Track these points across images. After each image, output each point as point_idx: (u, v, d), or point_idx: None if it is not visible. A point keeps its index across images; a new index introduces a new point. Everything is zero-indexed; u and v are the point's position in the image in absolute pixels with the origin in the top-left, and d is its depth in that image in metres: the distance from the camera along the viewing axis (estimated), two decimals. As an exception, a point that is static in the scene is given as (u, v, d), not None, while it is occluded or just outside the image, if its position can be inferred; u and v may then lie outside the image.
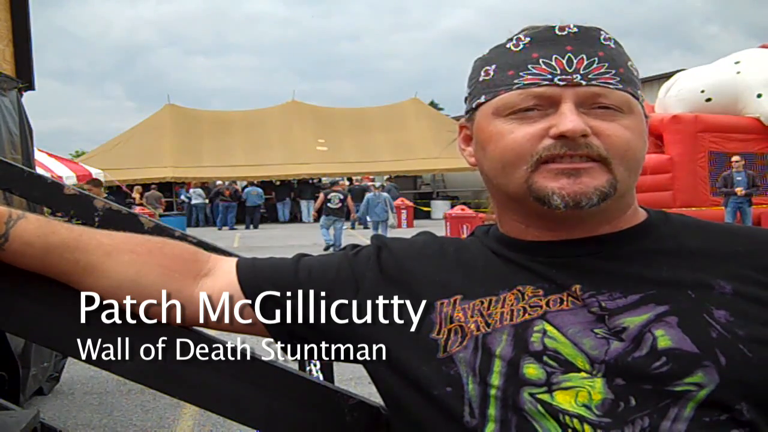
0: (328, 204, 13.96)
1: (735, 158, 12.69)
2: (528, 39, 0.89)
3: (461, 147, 0.99)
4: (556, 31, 0.88)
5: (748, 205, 12.49)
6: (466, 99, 0.97)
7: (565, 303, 0.85)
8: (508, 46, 0.90)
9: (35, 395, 4.57)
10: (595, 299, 0.84)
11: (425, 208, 24.63)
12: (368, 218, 13.93)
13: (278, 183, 26.16)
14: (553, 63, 0.86)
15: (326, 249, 13.47)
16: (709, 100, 14.36)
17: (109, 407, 4.59)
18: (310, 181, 25.73)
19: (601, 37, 0.88)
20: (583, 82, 0.85)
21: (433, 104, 43.15)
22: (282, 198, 25.63)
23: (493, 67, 0.91)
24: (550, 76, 0.85)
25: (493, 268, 0.92)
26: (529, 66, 0.87)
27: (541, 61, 0.86)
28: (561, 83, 0.85)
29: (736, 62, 14.45)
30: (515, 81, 0.87)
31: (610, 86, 0.85)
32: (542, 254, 0.90)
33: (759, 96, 13.96)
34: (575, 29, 0.87)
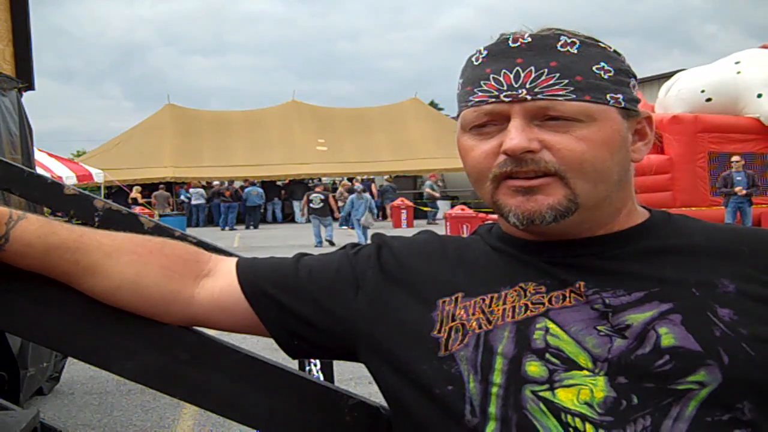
0: (311, 205, 15.30)
1: (735, 158, 12.69)
2: (485, 53, 0.88)
3: None
4: (510, 43, 0.86)
5: (748, 205, 12.49)
6: None
7: (567, 300, 0.85)
8: (472, 59, 0.90)
9: (35, 395, 4.57)
10: (599, 296, 0.84)
11: (425, 208, 24.63)
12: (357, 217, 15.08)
13: (286, 182, 26.22)
14: (501, 78, 0.85)
15: (316, 246, 14.50)
16: (709, 100, 14.35)
17: (109, 407, 4.59)
18: (306, 182, 25.70)
19: (559, 44, 0.85)
20: (528, 97, 0.83)
21: (433, 104, 43.17)
22: (271, 198, 25.66)
23: (461, 81, 0.92)
24: (496, 93, 0.85)
25: (494, 266, 0.92)
26: (481, 82, 0.87)
27: (491, 76, 0.86)
28: (506, 99, 0.84)
29: (737, 62, 14.45)
30: (470, 98, 0.88)
31: (559, 98, 0.83)
32: (545, 253, 0.90)
33: (759, 96, 13.95)
34: (528, 39, 0.86)
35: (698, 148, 13.81)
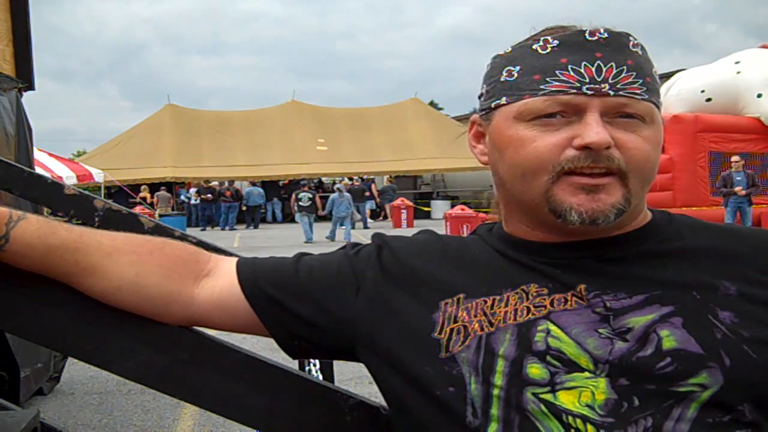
0: (299, 203, 16.76)
1: (735, 158, 12.71)
2: (556, 42, 0.86)
3: (472, 144, 0.98)
4: (587, 36, 0.85)
5: (748, 205, 12.50)
6: (480, 96, 0.95)
7: (569, 303, 0.84)
8: (534, 47, 0.87)
9: (35, 395, 4.57)
10: (600, 299, 0.84)
11: (425, 208, 24.62)
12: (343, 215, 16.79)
13: (286, 182, 26.26)
14: (582, 70, 0.84)
15: (306, 242, 16.12)
16: (709, 100, 14.36)
17: (109, 407, 4.59)
18: (301, 183, 25.78)
19: (630, 44, 0.86)
20: (611, 92, 0.83)
21: (432, 104, 43.19)
22: (271, 198, 25.66)
23: (518, 68, 0.88)
24: (578, 84, 0.83)
25: (496, 267, 0.91)
26: (557, 72, 0.84)
27: (569, 67, 0.84)
28: (589, 92, 0.83)
29: (737, 62, 14.46)
30: (541, 86, 0.85)
31: (637, 97, 0.84)
32: (547, 255, 0.89)
33: (759, 96, 13.96)
34: (605, 35, 0.85)
35: (698, 148, 13.82)
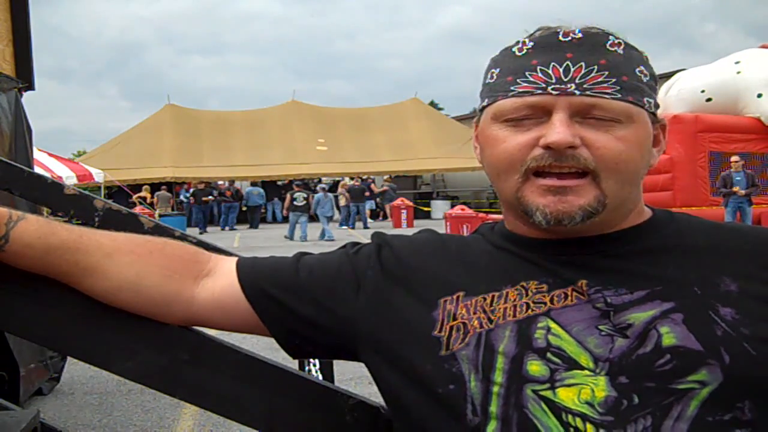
0: (294, 202, 17.38)
1: (734, 158, 12.72)
2: (531, 44, 0.87)
3: (474, 146, 0.99)
4: (560, 37, 0.86)
5: (748, 205, 12.50)
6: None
7: (569, 298, 0.84)
8: (513, 49, 0.89)
9: (35, 395, 4.57)
10: (601, 295, 0.84)
11: (425, 208, 24.63)
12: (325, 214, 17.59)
13: (286, 182, 26.31)
14: (550, 71, 0.84)
15: (287, 237, 17.22)
16: (709, 100, 14.37)
17: (109, 407, 4.59)
18: (306, 182, 25.80)
19: (608, 43, 0.86)
20: (577, 92, 0.83)
21: (432, 104, 43.20)
22: (271, 198, 25.66)
23: (498, 70, 0.90)
24: (543, 85, 0.84)
25: (496, 264, 0.92)
26: (526, 73, 0.86)
27: (538, 68, 0.85)
28: (554, 92, 0.84)
29: (737, 62, 14.47)
30: (511, 88, 0.87)
31: (606, 96, 0.84)
32: (548, 251, 0.89)
33: (759, 96, 13.97)
34: (580, 35, 0.86)
35: (698, 148, 13.83)
